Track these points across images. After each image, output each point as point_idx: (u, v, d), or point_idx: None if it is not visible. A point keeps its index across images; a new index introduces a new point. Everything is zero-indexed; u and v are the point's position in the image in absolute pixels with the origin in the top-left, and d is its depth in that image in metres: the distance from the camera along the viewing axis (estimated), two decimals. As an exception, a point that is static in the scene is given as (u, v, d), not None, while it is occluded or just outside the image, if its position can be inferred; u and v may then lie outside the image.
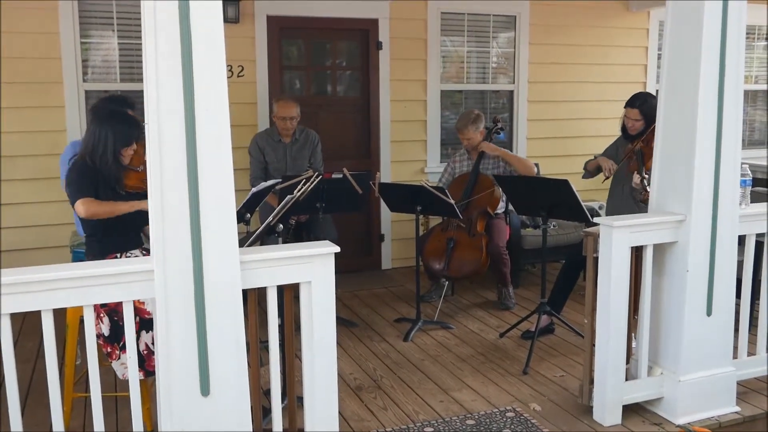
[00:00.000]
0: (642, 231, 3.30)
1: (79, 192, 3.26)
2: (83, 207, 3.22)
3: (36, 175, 5.14)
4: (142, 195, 3.34)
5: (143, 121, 2.43)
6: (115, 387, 3.71)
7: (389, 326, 4.87)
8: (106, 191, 3.30)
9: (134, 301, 2.93)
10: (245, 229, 3.98)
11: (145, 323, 2.98)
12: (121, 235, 3.36)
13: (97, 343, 2.98)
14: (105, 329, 3.07)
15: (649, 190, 4.05)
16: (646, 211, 3.67)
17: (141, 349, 2.98)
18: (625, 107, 4.54)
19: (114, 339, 3.06)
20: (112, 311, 3.05)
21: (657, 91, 3.52)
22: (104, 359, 3.21)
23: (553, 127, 6.70)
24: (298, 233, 5.22)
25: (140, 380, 2.67)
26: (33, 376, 3.89)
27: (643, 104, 4.42)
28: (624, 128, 4.60)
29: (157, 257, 2.40)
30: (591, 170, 4.71)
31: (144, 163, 3.38)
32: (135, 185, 3.40)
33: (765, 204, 3.62)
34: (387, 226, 6.31)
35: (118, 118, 3.44)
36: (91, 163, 3.31)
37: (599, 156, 4.69)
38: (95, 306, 2.98)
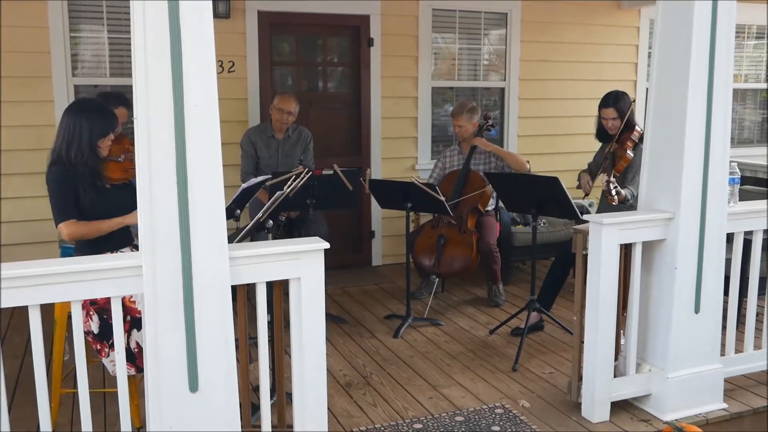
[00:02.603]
0: (631, 228, 3.31)
1: (62, 214, 3.17)
2: (66, 230, 3.16)
3: (24, 170, 5.11)
4: (127, 186, 3.31)
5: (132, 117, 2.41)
6: (103, 383, 3.70)
7: (379, 323, 4.87)
8: (88, 190, 3.19)
9: (125, 300, 2.94)
10: (235, 225, 3.97)
11: (135, 322, 2.97)
12: (110, 235, 3.31)
13: (87, 339, 2.98)
14: (94, 327, 3.05)
15: (613, 194, 4.04)
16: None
17: (132, 347, 2.97)
18: (599, 108, 4.53)
19: (104, 337, 3.04)
20: (101, 309, 3.03)
21: (647, 89, 3.53)
22: (93, 355, 3.20)
23: (544, 125, 6.72)
24: (289, 230, 5.22)
25: (129, 376, 2.67)
26: (21, 372, 3.86)
27: (617, 102, 4.44)
28: (599, 131, 4.60)
29: (146, 253, 2.39)
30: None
31: (124, 152, 3.35)
32: (118, 176, 3.34)
33: (752, 202, 3.64)
34: (377, 222, 6.31)
35: (91, 109, 3.29)
36: (66, 160, 3.18)
37: (584, 171, 4.68)
38: (84, 303, 2.99)
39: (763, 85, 7.68)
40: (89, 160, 3.20)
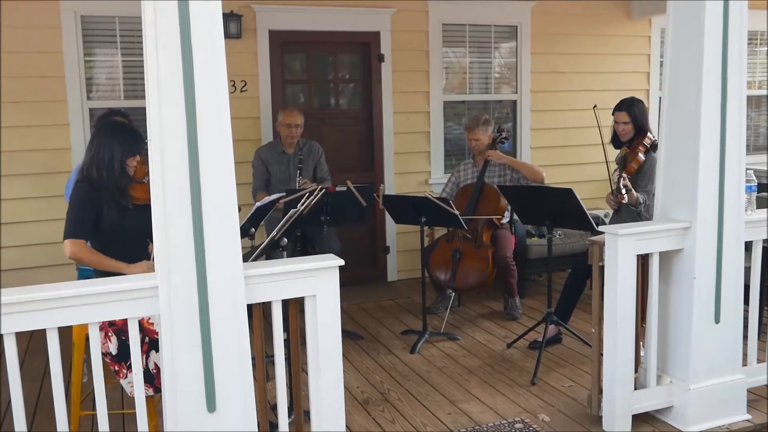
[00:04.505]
0: (647, 239, 3.29)
1: (74, 230, 3.18)
2: (71, 248, 3.16)
3: (41, 193, 5.16)
4: (149, 208, 3.33)
5: (145, 136, 2.43)
6: (122, 404, 3.71)
7: (396, 338, 4.86)
8: (112, 209, 3.23)
9: (143, 322, 2.95)
10: (249, 244, 3.98)
11: (153, 343, 2.98)
12: (128, 256, 3.33)
13: (105, 361, 2.99)
14: (113, 348, 3.06)
15: (623, 193, 4.12)
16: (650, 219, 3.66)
17: (150, 368, 2.98)
18: (613, 113, 4.57)
19: (122, 358, 3.05)
20: (119, 330, 3.04)
21: (660, 98, 3.52)
22: (111, 377, 3.20)
23: (557, 136, 6.70)
24: (304, 245, 5.21)
25: (147, 397, 2.66)
26: (40, 395, 3.88)
27: (630, 107, 4.48)
28: (614, 137, 4.62)
29: (161, 273, 2.39)
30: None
31: (148, 174, 3.38)
32: (141, 197, 3.38)
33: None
34: (392, 237, 6.31)
35: (122, 129, 3.41)
36: (97, 175, 3.23)
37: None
38: (103, 325, 3.00)
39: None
40: (120, 178, 3.26)
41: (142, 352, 2.91)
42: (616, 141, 4.63)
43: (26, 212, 5.17)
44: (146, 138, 2.41)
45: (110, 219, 3.23)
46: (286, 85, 5.95)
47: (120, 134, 3.34)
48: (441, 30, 6.21)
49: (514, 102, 6.63)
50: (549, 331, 4.36)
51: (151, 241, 3.25)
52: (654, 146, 4.30)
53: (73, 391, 3.21)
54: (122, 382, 3.10)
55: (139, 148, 3.35)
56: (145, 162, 3.51)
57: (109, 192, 3.24)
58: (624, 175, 4.23)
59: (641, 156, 4.36)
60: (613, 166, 4.57)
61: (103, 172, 3.24)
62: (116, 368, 3.08)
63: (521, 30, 6.48)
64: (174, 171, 2.37)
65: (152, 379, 2.96)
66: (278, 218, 3.68)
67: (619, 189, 4.14)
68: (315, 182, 5.23)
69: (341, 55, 6.18)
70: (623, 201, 4.16)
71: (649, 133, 4.43)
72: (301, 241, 5.15)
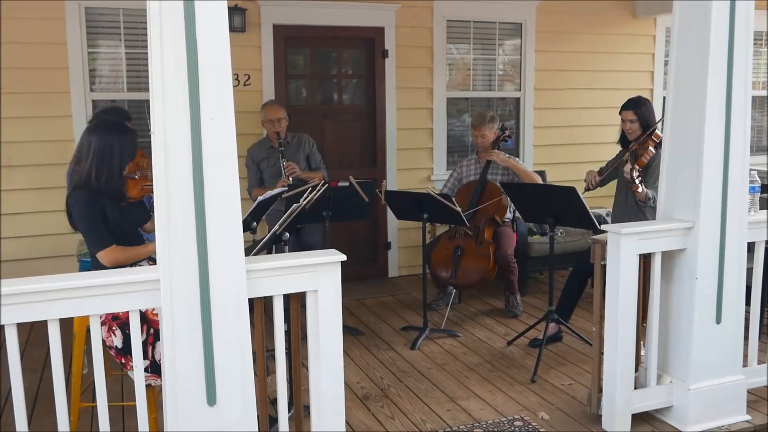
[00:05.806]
0: (650, 238, 3.28)
1: (100, 241, 3.13)
2: (107, 257, 3.12)
3: (44, 185, 5.16)
4: (140, 203, 3.33)
5: (149, 131, 2.42)
6: (122, 396, 3.71)
7: (396, 334, 4.86)
8: (113, 211, 3.18)
9: (148, 313, 2.95)
10: (251, 238, 3.98)
11: (158, 334, 2.97)
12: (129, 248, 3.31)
13: (110, 354, 2.98)
14: (117, 342, 3.06)
15: (637, 182, 4.20)
16: (653, 218, 3.66)
17: (157, 359, 2.97)
18: (620, 112, 4.60)
19: (127, 351, 3.04)
20: (123, 324, 3.04)
21: (664, 97, 3.51)
22: (111, 369, 3.21)
23: (559, 134, 6.69)
24: (300, 238, 5.20)
25: (148, 389, 2.66)
26: (40, 386, 3.89)
27: (637, 105, 4.51)
28: (622, 137, 4.64)
29: (163, 267, 2.39)
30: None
31: (139, 170, 3.37)
32: (135, 194, 3.36)
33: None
34: (393, 234, 6.31)
35: (118, 132, 3.26)
36: (96, 183, 3.15)
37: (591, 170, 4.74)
38: (107, 319, 3.00)
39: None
40: (117, 183, 3.22)
41: (148, 343, 2.92)
42: (623, 140, 4.64)
43: (28, 203, 5.18)
44: (140, 134, 2.38)
45: (112, 220, 3.21)
46: (289, 79, 5.94)
47: (118, 137, 3.21)
48: (445, 26, 6.20)
49: (518, 99, 6.63)
50: (549, 329, 4.36)
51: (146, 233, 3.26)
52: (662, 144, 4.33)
53: (73, 383, 3.22)
54: (130, 374, 3.10)
55: (136, 150, 3.28)
56: (146, 156, 3.50)
57: (107, 196, 3.19)
58: (636, 166, 4.28)
59: (652, 149, 4.41)
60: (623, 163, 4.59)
61: (103, 179, 3.16)
62: (123, 361, 3.08)
63: (526, 27, 6.47)
64: (177, 164, 2.36)
65: (159, 369, 2.96)
66: (279, 212, 3.68)
67: (633, 179, 4.20)
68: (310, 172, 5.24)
69: (345, 50, 6.17)
70: (637, 190, 4.22)
71: (657, 130, 4.45)
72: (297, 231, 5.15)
